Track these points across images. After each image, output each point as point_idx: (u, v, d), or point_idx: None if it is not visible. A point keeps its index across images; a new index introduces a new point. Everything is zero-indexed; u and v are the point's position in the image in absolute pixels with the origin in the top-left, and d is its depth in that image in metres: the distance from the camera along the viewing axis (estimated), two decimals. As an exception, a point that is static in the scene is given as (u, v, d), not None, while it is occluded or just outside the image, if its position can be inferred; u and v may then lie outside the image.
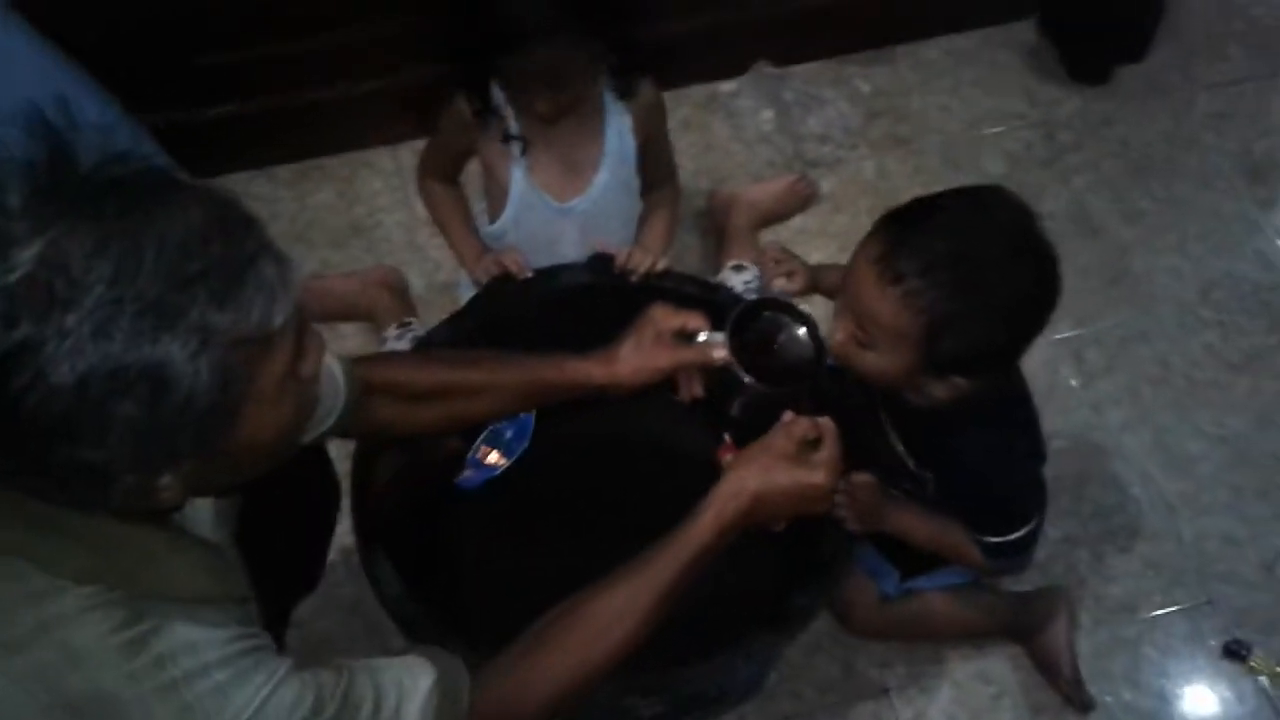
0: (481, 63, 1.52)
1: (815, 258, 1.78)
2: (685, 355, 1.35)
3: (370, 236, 2.16)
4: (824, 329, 1.36)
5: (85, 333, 0.71)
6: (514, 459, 1.63)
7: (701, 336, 1.35)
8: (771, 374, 1.32)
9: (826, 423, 1.22)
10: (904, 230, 1.23)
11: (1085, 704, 1.63)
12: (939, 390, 1.29)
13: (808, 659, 1.68)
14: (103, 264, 0.72)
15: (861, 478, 1.38)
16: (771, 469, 1.17)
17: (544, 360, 1.37)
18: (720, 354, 1.31)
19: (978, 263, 1.19)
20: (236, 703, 0.84)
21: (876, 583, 1.63)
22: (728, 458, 1.40)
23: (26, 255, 0.71)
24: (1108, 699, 1.66)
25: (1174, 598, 1.75)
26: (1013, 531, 1.40)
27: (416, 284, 2.08)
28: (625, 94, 1.62)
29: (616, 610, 1.10)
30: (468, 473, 1.62)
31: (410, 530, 1.49)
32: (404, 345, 1.85)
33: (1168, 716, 1.66)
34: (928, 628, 1.67)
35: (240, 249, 0.79)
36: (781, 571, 1.50)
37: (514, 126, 1.62)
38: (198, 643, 0.84)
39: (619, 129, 1.65)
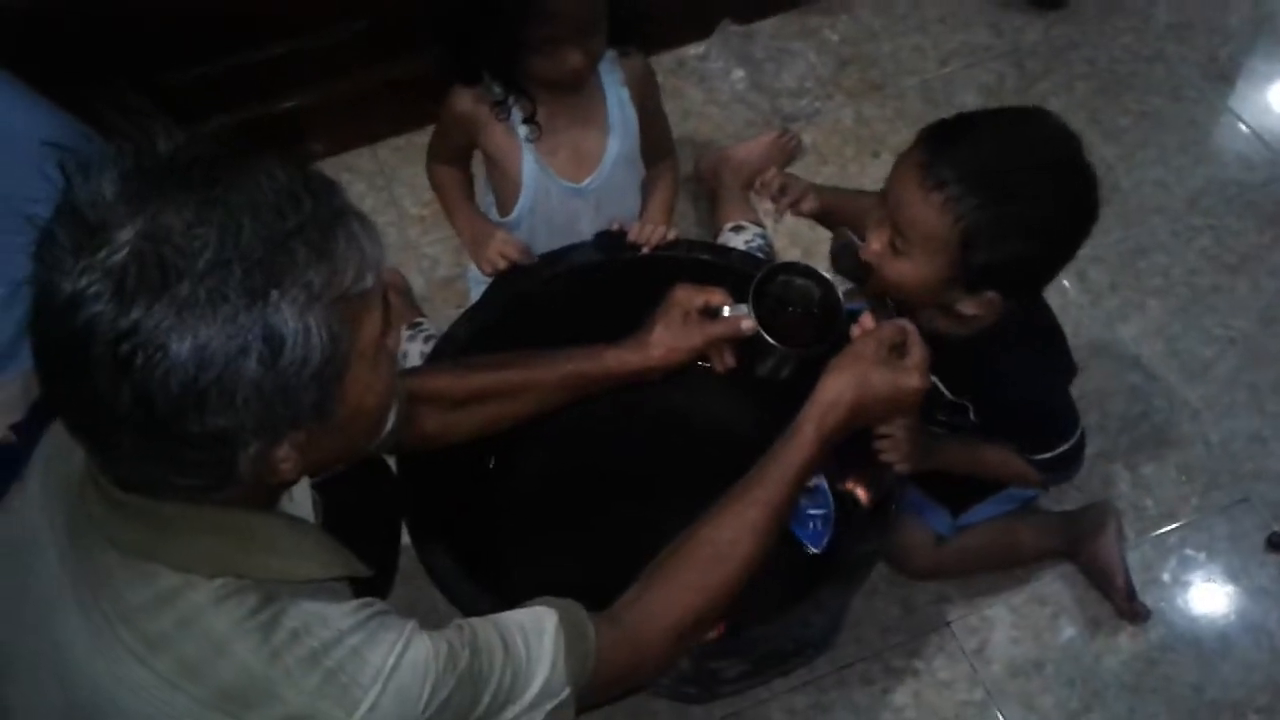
0: (499, 44, 1.49)
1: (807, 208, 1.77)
2: (715, 330, 1.39)
3: (363, 241, 2.11)
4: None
5: (201, 298, 0.72)
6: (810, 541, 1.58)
7: (726, 310, 1.40)
8: (795, 333, 1.36)
9: (909, 325, 1.23)
10: (947, 140, 1.24)
11: (1140, 614, 1.65)
12: (969, 307, 1.29)
13: (866, 603, 1.69)
14: (206, 230, 0.73)
15: (901, 418, 1.39)
16: (867, 374, 1.19)
17: (580, 353, 1.39)
18: (748, 324, 1.36)
19: (1015, 176, 1.20)
20: (374, 662, 0.85)
21: (928, 524, 1.64)
22: None
23: (129, 234, 0.72)
24: (1161, 605, 1.68)
25: (1211, 500, 1.78)
26: (1064, 444, 1.42)
27: (417, 282, 2.05)
28: (623, 50, 1.60)
29: (731, 534, 1.12)
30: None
31: (452, 523, 1.48)
32: (418, 345, 1.82)
33: (1221, 615, 1.69)
34: (985, 559, 1.68)
35: (329, 205, 0.80)
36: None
37: (521, 112, 1.60)
38: (327, 615, 0.86)
39: (619, 100, 1.63)
